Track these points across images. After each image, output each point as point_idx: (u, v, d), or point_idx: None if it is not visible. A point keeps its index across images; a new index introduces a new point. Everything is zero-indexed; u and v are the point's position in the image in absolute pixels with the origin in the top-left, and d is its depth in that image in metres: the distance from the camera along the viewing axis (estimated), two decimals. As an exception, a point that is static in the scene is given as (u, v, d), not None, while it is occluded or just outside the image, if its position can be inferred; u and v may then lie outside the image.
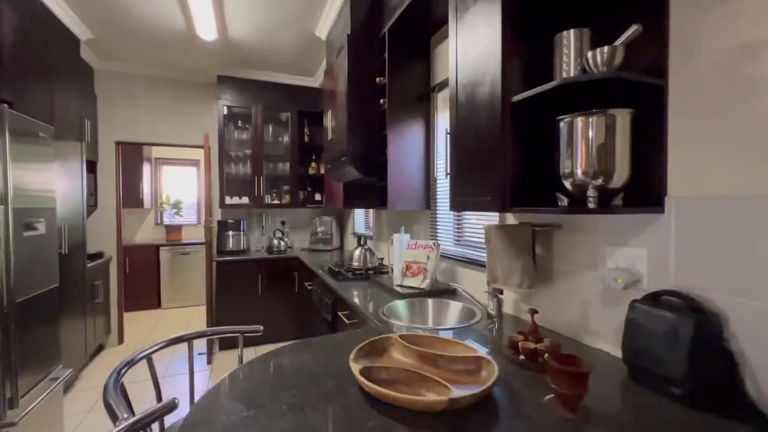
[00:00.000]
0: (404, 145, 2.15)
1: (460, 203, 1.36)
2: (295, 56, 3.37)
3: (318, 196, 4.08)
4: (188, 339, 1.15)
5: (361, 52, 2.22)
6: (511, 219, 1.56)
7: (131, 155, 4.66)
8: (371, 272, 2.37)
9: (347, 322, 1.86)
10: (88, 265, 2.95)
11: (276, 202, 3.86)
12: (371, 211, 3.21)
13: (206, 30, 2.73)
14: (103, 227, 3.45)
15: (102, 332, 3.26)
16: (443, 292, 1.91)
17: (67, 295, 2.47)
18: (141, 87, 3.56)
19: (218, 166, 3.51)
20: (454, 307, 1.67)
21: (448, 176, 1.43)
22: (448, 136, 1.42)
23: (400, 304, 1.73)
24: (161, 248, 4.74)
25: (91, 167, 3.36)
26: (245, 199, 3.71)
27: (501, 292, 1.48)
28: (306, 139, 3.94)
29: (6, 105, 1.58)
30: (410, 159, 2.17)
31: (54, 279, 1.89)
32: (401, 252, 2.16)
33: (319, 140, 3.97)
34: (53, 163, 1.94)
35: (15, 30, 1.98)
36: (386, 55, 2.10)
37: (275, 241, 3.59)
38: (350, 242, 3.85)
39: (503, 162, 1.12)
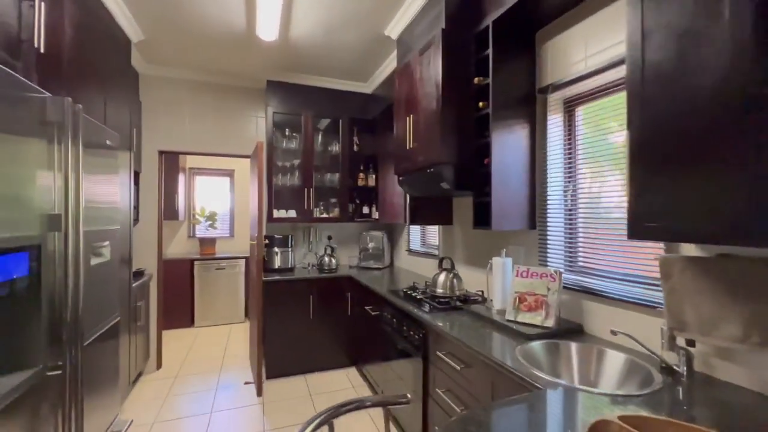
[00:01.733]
0: (509, 154, 1.85)
1: (652, 230, 1.05)
2: (354, 59, 3.13)
3: (366, 210, 3.80)
4: (337, 415, 0.85)
5: (455, 49, 1.95)
6: (692, 249, 1.23)
7: (167, 165, 4.46)
8: (460, 302, 2.05)
9: (453, 364, 1.55)
10: (132, 284, 2.70)
11: (324, 215, 3.58)
12: (438, 227, 2.91)
13: (268, 29, 2.50)
14: (143, 242, 3.21)
15: (142, 358, 2.99)
16: (571, 331, 1.58)
17: (114, 321, 2.21)
18: (186, 93, 3.35)
19: (266, 177, 3.26)
20: (614, 359, 1.33)
21: (629, 190, 1.11)
22: (628, 135, 1.11)
23: (537, 348, 1.41)
24: (195, 263, 4.50)
25: (135, 178, 3.14)
26: (292, 213, 3.45)
27: (692, 344, 1.15)
28: (355, 148, 3.68)
29: (80, 105, 1.33)
30: (516, 170, 1.86)
31: (115, 310, 1.62)
32: (506, 280, 1.85)
33: (369, 149, 3.71)
34: (117, 176, 1.69)
35: (76, 27, 1.76)
36: (490, 51, 1.81)
37: (326, 259, 3.30)
38: (403, 260, 3.55)
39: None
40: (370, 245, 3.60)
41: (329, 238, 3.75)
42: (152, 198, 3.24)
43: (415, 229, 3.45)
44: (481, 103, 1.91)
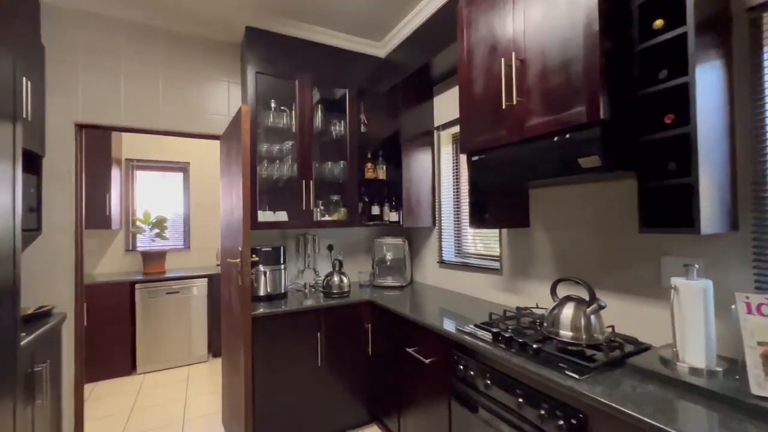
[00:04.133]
0: (714, 103, 1.10)
1: None
2: (369, 2, 2.26)
3: (376, 210, 2.93)
4: None
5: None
6: None
7: (93, 154, 3.25)
8: (613, 352, 1.26)
9: None
10: (24, 339, 1.60)
11: (326, 218, 2.65)
12: (500, 232, 2.12)
13: None
14: (50, 264, 2.07)
15: (47, 452, 1.86)
16: None
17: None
18: (123, 40, 2.26)
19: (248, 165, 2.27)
20: None
21: None
22: None
23: None
24: (137, 285, 3.31)
25: (33, 164, 2.00)
26: (282, 215, 2.48)
27: None
28: (363, 128, 2.80)
29: None
30: (720, 132, 1.12)
31: None
32: (707, 318, 1.10)
33: (378, 132, 2.85)
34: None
35: None
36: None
37: (335, 279, 2.37)
38: (430, 275, 2.72)
39: None
40: (389, 256, 2.73)
41: (330, 248, 2.82)
42: (65, 196, 2.11)
43: (448, 234, 2.64)
44: (658, 22, 1.15)
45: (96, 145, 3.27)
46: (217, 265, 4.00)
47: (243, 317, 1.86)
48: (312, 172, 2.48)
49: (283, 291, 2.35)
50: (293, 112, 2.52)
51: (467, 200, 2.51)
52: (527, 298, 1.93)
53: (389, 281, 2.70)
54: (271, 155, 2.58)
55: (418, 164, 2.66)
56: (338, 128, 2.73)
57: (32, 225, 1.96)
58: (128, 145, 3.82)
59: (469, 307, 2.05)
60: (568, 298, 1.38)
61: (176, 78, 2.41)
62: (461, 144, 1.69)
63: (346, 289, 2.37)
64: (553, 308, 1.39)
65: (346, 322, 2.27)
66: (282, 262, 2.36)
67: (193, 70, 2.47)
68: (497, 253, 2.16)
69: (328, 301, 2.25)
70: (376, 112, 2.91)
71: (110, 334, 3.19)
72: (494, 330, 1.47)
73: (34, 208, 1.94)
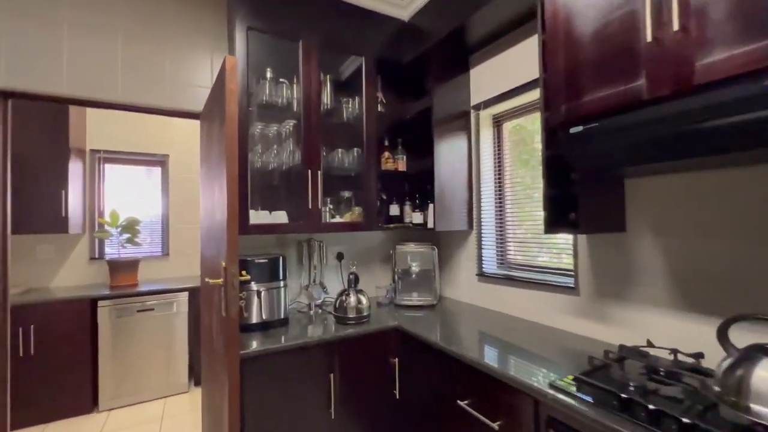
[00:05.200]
0: None
1: None
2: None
3: (395, 210, 2.39)
4: None
5: None
6: None
7: (45, 142, 2.65)
8: None
9: None
10: None
11: (337, 219, 2.10)
12: (574, 238, 1.58)
13: None
14: (-42, 285, 1.48)
15: None
16: None
17: None
18: (65, -16, 1.69)
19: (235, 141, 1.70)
20: None
21: None
22: None
23: None
24: (100, 303, 2.70)
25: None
26: (281, 215, 1.93)
27: None
28: (379, 108, 2.26)
29: None
30: None
31: None
32: None
33: (397, 114, 2.32)
34: None
35: None
36: None
37: (352, 298, 1.81)
38: (465, 290, 2.18)
39: None
40: (414, 267, 2.19)
41: (340, 257, 2.26)
42: (-20, 188, 1.52)
43: (489, 239, 2.11)
44: None
45: (49, 129, 2.66)
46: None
47: (228, 359, 1.29)
48: (320, 160, 1.92)
49: (282, 316, 1.78)
50: (294, 85, 1.97)
51: (512, 196, 1.99)
52: (623, 330, 1.40)
53: (415, 299, 2.15)
54: (267, 139, 2.02)
55: (450, 153, 2.12)
56: (351, 108, 2.19)
57: (-76, 230, 1.37)
58: (94, 134, 3.21)
59: (532, 337, 1.52)
60: (761, 350, 0.85)
61: (142, 34, 1.83)
62: (549, 112, 1.16)
63: (365, 313, 1.81)
64: (733, 364, 0.86)
65: (366, 357, 1.72)
66: (281, 277, 1.80)
67: (166, 25, 1.90)
68: (569, 266, 1.63)
69: (342, 329, 1.69)
70: (394, 91, 2.38)
71: (65, 364, 2.58)
72: (623, 396, 0.94)
73: (-76, 205, 1.35)
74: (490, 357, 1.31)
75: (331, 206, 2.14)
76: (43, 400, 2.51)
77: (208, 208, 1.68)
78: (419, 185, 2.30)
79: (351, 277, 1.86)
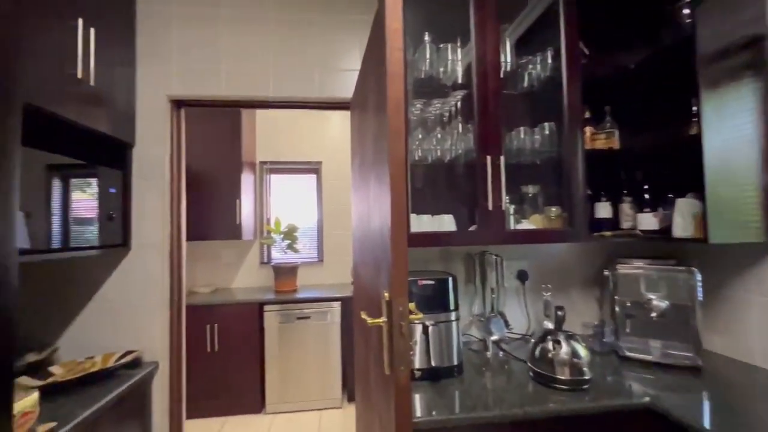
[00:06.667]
0: None
1: None
2: None
3: (604, 209, 1.61)
4: None
5: None
6: None
7: (223, 156, 2.90)
8: None
9: None
10: (89, 408, 0.95)
11: (523, 225, 1.49)
12: None
13: None
14: (140, 293, 1.51)
15: None
16: None
17: None
18: (224, -16, 1.62)
19: (400, 105, 1.28)
20: None
21: None
22: None
23: None
24: (267, 307, 2.80)
25: (119, 156, 1.47)
26: (447, 220, 1.44)
27: None
28: (583, 60, 1.53)
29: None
30: None
31: None
32: None
33: (606, 69, 1.54)
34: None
35: None
36: None
37: (561, 350, 1.17)
38: (757, 345, 1.23)
39: None
40: (654, 301, 1.38)
41: (522, 277, 1.64)
42: (155, 196, 1.53)
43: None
44: None
45: (226, 146, 2.91)
46: (352, 282, 3.29)
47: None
48: (501, 144, 1.35)
49: (456, 361, 1.28)
50: (460, 49, 1.47)
51: None
52: None
53: (657, 351, 1.34)
54: (425, 123, 1.57)
55: (727, 111, 1.24)
56: (537, 69, 1.55)
57: (115, 239, 1.41)
58: (262, 146, 3.47)
59: None
60: None
61: (292, 21, 1.65)
62: None
63: (586, 377, 1.14)
64: None
65: (596, 451, 1.05)
66: (452, 306, 1.30)
67: (315, 5, 1.67)
68: None
69: (551, 399, 1.07)
70: (594, 38, 1.62)
71: (240, 363, 2.73)
72: None
73: (113, 211, 1.38)
74: None
75: (513, 206, 1.54)
76: (222, 394, 2.69)
77: (362, 211, 1.33)
78: (649, 170, 1.48)
79: (558, 315, 1.21)
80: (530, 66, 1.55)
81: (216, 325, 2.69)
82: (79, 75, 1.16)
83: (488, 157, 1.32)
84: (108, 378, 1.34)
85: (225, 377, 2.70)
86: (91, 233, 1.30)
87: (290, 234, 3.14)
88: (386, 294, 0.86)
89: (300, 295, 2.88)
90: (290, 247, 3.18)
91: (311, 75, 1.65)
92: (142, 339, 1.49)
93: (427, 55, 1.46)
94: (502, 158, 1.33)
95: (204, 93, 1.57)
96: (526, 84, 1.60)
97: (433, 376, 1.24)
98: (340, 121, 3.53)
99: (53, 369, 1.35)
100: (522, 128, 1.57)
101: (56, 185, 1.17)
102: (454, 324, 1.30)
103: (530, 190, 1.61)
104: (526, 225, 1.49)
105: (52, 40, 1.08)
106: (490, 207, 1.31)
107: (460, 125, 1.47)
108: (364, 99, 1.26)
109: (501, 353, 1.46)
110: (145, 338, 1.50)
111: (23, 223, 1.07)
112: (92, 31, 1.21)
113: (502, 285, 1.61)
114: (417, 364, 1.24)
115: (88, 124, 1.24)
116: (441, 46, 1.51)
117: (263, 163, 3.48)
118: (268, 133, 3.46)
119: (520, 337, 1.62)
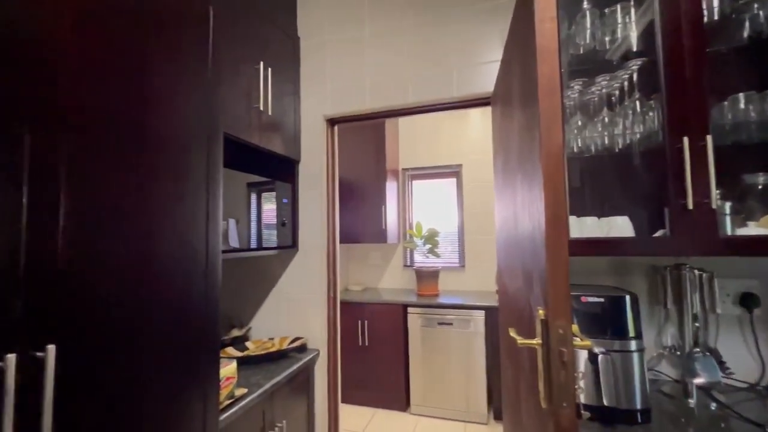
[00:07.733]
0: None
1: None
2: None
3: None
4: None
5: None
6: None
7: (369, 165, 3.15)
8: None
9: None
10: (272, 379, 1.17)
11: (750, 231, 1.06)
12: None
13: None
14: (306, 288, 1.74)
15: None
16: None
17: None
18: (368, 6, 1.74)
19: (556, 80, 1.05)
20: None
21: None
22: None
23: None
24: (410, 309, 2.88)
25: (289, 171, 1.75)
26: (618, 225, 1.14)
27: None
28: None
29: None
30: None
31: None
32: None
33: None
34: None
35: None
36: None
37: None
38: None
39: None
40: None
41: (748, 302, 1.16)
42: (315, 204, 1.75)
43: None
44: None
45: (372, 156, 3.15)
46: (496, 291, 3.06)
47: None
48: (708, 115, 0.99)
49: (638, 405, 0.99)
50: (632, 8, 1.16)
51: None
52: None
53: None
54: (586, 107, 1.31)
55: None
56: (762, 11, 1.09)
57: (287, 242, 1.67)
58: (404, 155, 3.62)
59: None
60: None
61: (427, 23, 1.64)
62: None
63: None
64: None
65: None
66: (633, 333, 1.02)
67: (444, 5, 1.62)
68: None
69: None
70: None
71: (386, 359, 2.89)
72: None
73: (285, 221, 1.65)
74: None
75: (729, 203, 1.12)
76: (370, 386, 2.89)
77: (506, 214, 1.19)
78: None
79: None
80: (755, 4, 1.10)
81: (366, 321, 2.92)
82: (261, 108, 1.42)
83: (686, 139, 0.98)
84: (282, 358, 1.59)
85: (374, 371, 2.90)
86: (272, 236, 1.58)
87: (431, 238, 3.16)
88: (541, 311, 0.72)
89: (442, 299, 2.86)
90: (431, 251, 3.20)
91: (449, 73, 1.60)
92: (306, 328, 1.73)
93: (588, 25, 1.21)
94: (708, 138, 0.97)
95: (351, 109, 1.72)
96: (746, 33, 1.14)
97: (605, 418, 0.99)
98: (479, 122, 3.37)
99: (248, 344, 1.69)
100: (741, 95, 1.13)
101: (253, 198, 1.47)
102: (635, 356, 1.01)
103: (760, 180, 1.14)
104: (752, 230, 1.06)
105: (242, 82, 1.36)
106: (690, 205, 0.97)
107: (637, 102, 1.16)
108: (508, 89, 1.13)
109: (713, 405, 1.06)
110: (309, 327, 1.72)
111: (235, 228, 1.37)
112: (270, 70, 1.47)
113: (712, 311, 1.18)
114: (583, 400, 1.02)
115: (269, 147, 1.51)
116: (606, 11, 1.24)
117: (405, 170, 3.62)
118: (410, 141, 3.59)
119: (747, 387, 1.15)
